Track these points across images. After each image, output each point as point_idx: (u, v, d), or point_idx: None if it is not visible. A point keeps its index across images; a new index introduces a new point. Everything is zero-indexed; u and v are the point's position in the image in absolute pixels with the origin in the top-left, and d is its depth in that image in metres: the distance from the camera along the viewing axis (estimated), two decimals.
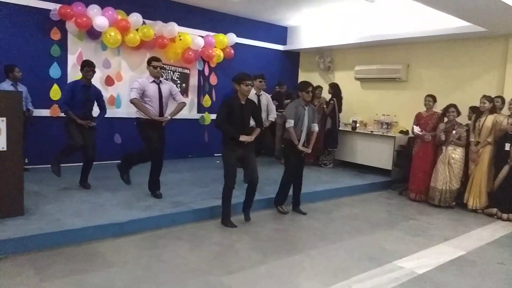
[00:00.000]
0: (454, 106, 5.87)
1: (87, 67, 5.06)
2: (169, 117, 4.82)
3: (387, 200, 6.28)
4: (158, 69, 4.76)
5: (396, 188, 6.89)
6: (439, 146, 5.96)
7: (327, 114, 7.82)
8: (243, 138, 4.32)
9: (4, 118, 3.88)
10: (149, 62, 4.78)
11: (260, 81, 6.16)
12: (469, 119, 6.11)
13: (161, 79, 4.87)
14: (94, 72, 5.15)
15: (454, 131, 5.78)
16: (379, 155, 7.44)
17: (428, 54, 7.46)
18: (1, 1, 5.89)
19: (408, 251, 4.09)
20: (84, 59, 5.38)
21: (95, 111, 5.36)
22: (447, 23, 6.37)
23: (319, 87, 8.11)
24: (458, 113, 5.89)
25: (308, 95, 4.90)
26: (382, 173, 7.40)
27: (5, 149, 3.90)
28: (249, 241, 4.15)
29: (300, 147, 4.87)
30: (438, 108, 6.23)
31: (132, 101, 4.65)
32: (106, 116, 5.52)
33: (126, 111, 6.97)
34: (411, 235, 4.64)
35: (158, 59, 4.81)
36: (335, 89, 7.96)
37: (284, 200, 5.14)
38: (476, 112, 5.88)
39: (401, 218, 5.31)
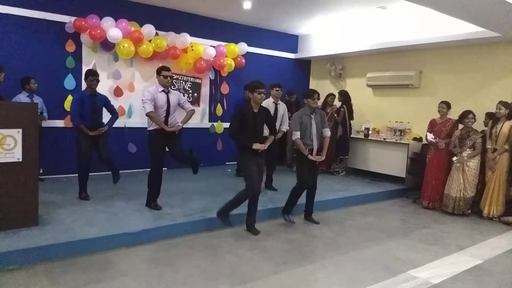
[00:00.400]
0: (472, 112, 5.78)
1: (91, 76, 5.13)
2: (181, 124, 4.84)
3: (400, 209, 6.20)
4: (168, 78, 4.77)
5: (410, 196, 6.80)
6: (453, 155, 5.87)
7: (339, 122, 7.80)
8: (256, 146, 4.33)
9: (20, 130, 3.96)
10: (158, 71, 4.79)
11: (277, 90, 6.15)
12: (485, 125, 6.01)
13: (169, 88, 4.88)
14: (98, 81, 5.21)
15: (458, 156, 5.71)
16: (392, 162, 7.36)
17: (441, 60, 7.39)
18: (18, 15, 6.04)
19: (422, 261, 4.03)
20: (97, 70, 5.45)
21: (105, 119, 5.42)
22: (459, 28, 6.32)
23: (332, 95, 8.11)
24: (475, 120, 5.81)
25: (314, 101, 4.86)
26: (395, 181, 7.31)
27: (20, 160, 3.97)
28: (261, 250, 4.13)
29: (311, 157, 4.81)
30: (452, 114, 6.15)
31: (148, 115, 4.65)
32: (118, 126, 5.56)
33: (140, 120, 7.05)
34: (426, 244, 4.57)
35: (168, 69, 4.83)
36: (344, 97, 7.95)
37: (291, 210, 5.05)
38: (492, 118, 5.79)
39: (415, 227, 5.23)
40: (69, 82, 6.50)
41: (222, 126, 8.17)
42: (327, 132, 4.99)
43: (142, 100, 4.71)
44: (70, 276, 3.35)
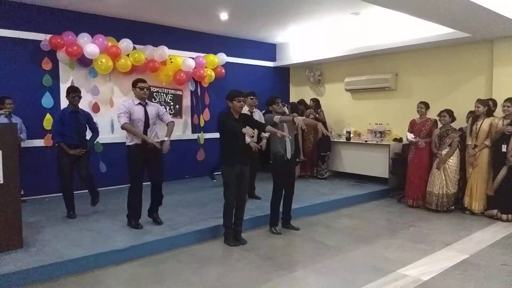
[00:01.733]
0: (447, 111, 5.93)
1: (73, 93, 5.13)
2: (167, 138, 4.70)
3: (386, 209, 6.28)
4: (145, 90, 4.66)
5: (394, 196, 6.90)
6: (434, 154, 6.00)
7: (323, 120, 7.89)
8: (245, 130, 4.22)
9: (0, 151, 3.88)
10: (134, 84, 4.68)
11: (251, 98, 6.18)
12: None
13: (146, 101, 4.76)
14: (80, 97, 5.20)
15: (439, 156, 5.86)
16: (375, 164, 7.48)
17: (415, 62, 7.57)
18: None
19: (411, 259, 4.09)
20: (75, 86, 5.40)
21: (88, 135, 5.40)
22: (431, 30, 6.49)
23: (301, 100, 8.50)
24: (453, 118, 5.95)
25: (279, 106, 4.88)
26: (379, 182, 7.42)
27: (1, 181, 3.88)
28: (251, 259, 4.12)
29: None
30: (431, 114, 6.30)
31: (123, 127, 4.55)
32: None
33: (120, 135, 6.96)
34: (413, 242, 4.64)
35: (143, 81, 4.71)
36: (316, 103, 8.22)
37: (277, 220, 5.02)
38: (473, 116, 5.94)
39: (401, 226, 5.31)
40: (46, 101, 6.40)
41: (203, 137, 8.18)
42: (298, 118, 4.75)
43: (117, 114, 4.59)
44: None
